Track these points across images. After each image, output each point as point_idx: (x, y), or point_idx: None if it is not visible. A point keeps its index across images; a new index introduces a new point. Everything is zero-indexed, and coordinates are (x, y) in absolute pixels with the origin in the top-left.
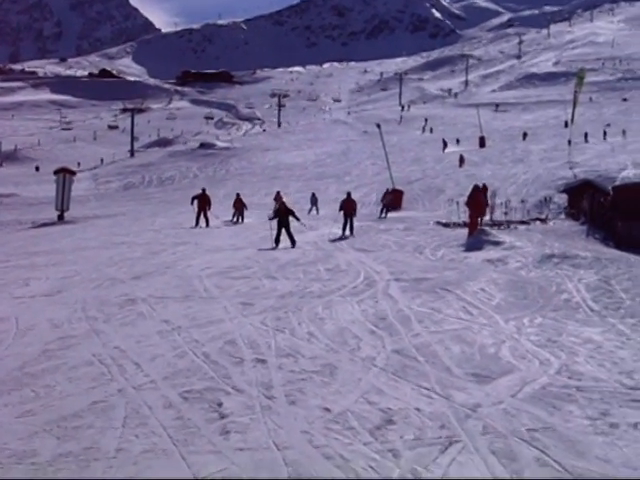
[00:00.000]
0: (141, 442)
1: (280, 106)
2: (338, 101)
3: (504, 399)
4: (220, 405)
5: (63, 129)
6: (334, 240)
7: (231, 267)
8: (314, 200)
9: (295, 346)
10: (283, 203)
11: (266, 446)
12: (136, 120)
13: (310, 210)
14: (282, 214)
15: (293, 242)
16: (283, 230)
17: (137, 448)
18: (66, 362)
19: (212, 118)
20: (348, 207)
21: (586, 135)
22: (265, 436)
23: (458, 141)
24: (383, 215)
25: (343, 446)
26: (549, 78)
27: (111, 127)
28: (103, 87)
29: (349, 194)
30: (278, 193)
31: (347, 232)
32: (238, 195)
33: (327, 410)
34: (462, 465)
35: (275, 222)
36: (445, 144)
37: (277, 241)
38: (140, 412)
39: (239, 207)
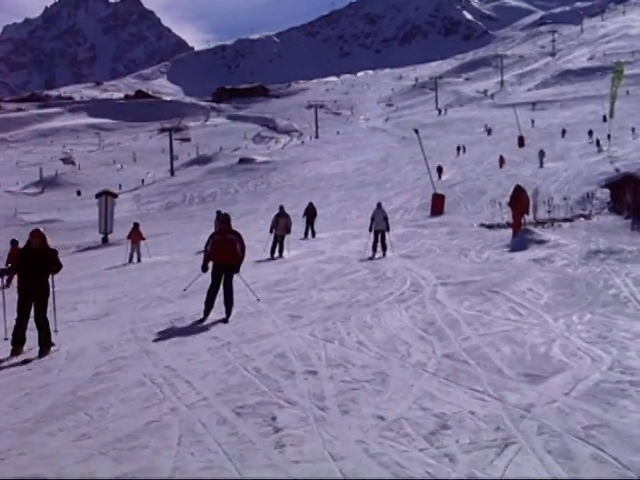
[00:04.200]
0: (197, 460)
1: (317, 117)
2: (390, 105)
3: (558, 398)
4: (274, 419)
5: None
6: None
7: (277, 280)
8: (310, 215)
9: (345, 356)
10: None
11: (322, 457)
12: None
13: (306, 233)
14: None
15: (229, 313)
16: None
17: (193, 466)
18: (118, 384)
19: (275, 128)
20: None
21: (633, 129)
22: (320, 447)
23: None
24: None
25: (399, 453)
26: (584, 74)
27: (183, 140)
28: (140, 108)
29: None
30: (225, 217)
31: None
32: (136, 225)
33: (381, 418)
34: (519, 466)
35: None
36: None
37: (209, 308)
38: (194, 430)
39: (135, 239)
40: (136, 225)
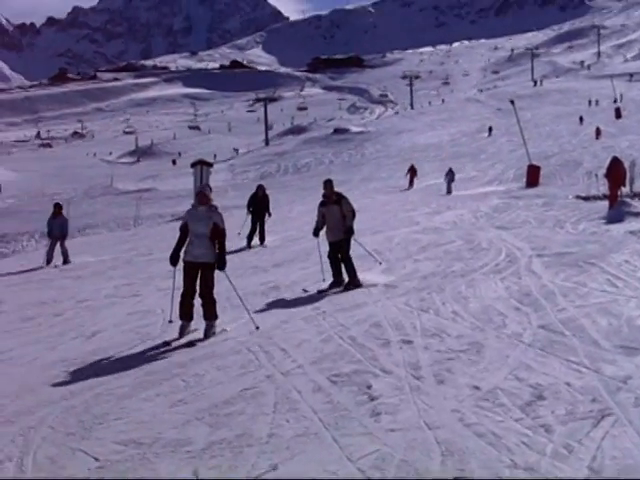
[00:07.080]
0: (292, 427)
1: (412, 88)
2: (496, 72)
3: None
4: (369, 387)
5: (190, 127)
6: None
7: (371, 250)
8: (260, 207)
9: (440, 326)
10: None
11: (417, 426)
12: (269, 109)
13: (250, 237)
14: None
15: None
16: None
17: (289, 433)
18: (214, 350)
19: (370, 98)
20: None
21: None
22: (416, 416)
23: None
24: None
25: (494, 423)
26: None
27: (301, 109)
28: (235, 78)
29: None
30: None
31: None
32: None
33: (476, 388)
34: (616, 438)
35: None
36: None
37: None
38: (290, 397)
39: None
40: (58, 206)
